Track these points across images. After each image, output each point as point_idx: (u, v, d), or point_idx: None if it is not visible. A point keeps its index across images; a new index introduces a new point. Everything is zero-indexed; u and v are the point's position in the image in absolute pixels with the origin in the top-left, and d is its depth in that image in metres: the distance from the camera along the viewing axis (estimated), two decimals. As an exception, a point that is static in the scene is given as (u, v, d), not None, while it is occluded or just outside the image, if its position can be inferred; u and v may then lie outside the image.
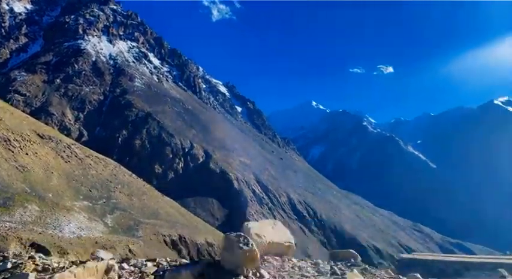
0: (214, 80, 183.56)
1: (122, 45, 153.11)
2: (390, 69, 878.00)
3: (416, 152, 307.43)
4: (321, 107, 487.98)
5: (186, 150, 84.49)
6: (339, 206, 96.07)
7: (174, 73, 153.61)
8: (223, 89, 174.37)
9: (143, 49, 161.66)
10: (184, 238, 48.52)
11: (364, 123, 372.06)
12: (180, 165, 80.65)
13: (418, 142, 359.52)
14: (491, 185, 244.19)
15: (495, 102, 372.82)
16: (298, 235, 71.79)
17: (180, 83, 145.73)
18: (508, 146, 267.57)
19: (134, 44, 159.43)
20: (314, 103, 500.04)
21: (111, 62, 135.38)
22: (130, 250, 42.44)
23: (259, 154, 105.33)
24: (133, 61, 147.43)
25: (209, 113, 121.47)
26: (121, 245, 42.38)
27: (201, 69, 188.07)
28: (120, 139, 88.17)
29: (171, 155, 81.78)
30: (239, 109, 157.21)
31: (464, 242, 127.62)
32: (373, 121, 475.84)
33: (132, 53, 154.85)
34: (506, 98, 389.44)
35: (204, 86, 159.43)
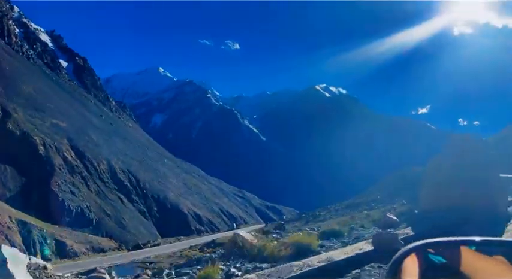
0: (34, 25, 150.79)
1: None
2: (237, 46, 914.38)
3: (251, 126, 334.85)
4: (168, 75, 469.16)
5: (-28, 105, 66.04)
6: (167, 174, 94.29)
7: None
8: (45, 38, 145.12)
9: None
10: None
11: (208, 95, 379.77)
12: (-40, 124, 62.56)
13: (254, 116, 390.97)
14: (310, 156, 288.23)
15: (316, 87, 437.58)
16: (115, 206, 66.60)
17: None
18: (326, 125, 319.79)
19: None
20: (161, 69, 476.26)
21: None
22: None
23: (82, 117, 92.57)
24: None
25: (18, 63, 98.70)
26: None
27: (16, 9, 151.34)
28: None
29: None
30: (64, 64, 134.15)
31: (279, 206, 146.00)
32: (217, 93, 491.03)
33: None
34: (324, 85, 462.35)
35: (17, 30, 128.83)
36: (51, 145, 66.13)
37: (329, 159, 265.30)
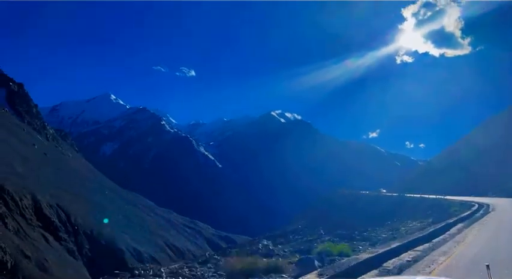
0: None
1: None
2: (193, 73, 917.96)
3: (206, 153, 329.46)
4: (121, 102, 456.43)
5: None
6: (105, 207, 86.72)
7: None
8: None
9: None
10: None
11: (163, 123, 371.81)
12: None
13: (211, 143, 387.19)
14: (267, 182, 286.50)
15: (272, 113, 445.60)
16: (37, 245, 58.92)
17: None
18: (281, 151, 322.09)
19: None
20: (113, 97, 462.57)
21: None
22: None
23: (7, 147, 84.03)
24: None
25: None
26: None
27: None
28: None
29: None
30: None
31: (233, 235, 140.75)
32: (173, 121, 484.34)
33: None
34: (279, 111, 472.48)
35: None
36: (-39, 179, 58.16)
37: (286, 185, 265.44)
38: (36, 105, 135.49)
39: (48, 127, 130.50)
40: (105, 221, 67.38)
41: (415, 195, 46.51)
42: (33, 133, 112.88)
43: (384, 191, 60.96)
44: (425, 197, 41.94)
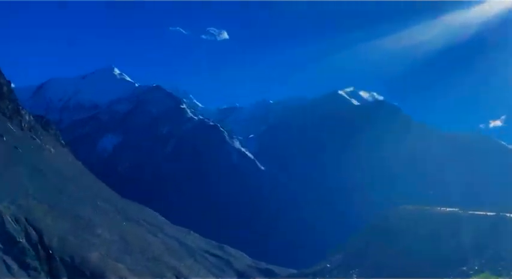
0: None
1: None
2: (225, 35, 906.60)
3: (243, 150, 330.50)
4: (127, 78, 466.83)
5: None
6: (95, 223, 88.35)
7: None
8: None
9: None
10: None
11: (183, 106, 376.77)
12: None
13: (250, 136, 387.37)
14: (330, 191, 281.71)
15: (340, 92, 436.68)
16: (-4, 275, 60.69)
17: None
18: (353, 145, 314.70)
19: None
20: (117, 71, 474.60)
21: None
22: None
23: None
24: None
25: None
26: None
27: None
28: None
29: None
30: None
31: (276, 267, 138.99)
32: (198, 104, 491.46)
33: None
34: (351, 89, 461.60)
35: None
36: None
37: (355, 196, 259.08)
38: (8, 82, 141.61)
39: (23, 112, 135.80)
40: None
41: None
42: (6, 121, 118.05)
43: None
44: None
